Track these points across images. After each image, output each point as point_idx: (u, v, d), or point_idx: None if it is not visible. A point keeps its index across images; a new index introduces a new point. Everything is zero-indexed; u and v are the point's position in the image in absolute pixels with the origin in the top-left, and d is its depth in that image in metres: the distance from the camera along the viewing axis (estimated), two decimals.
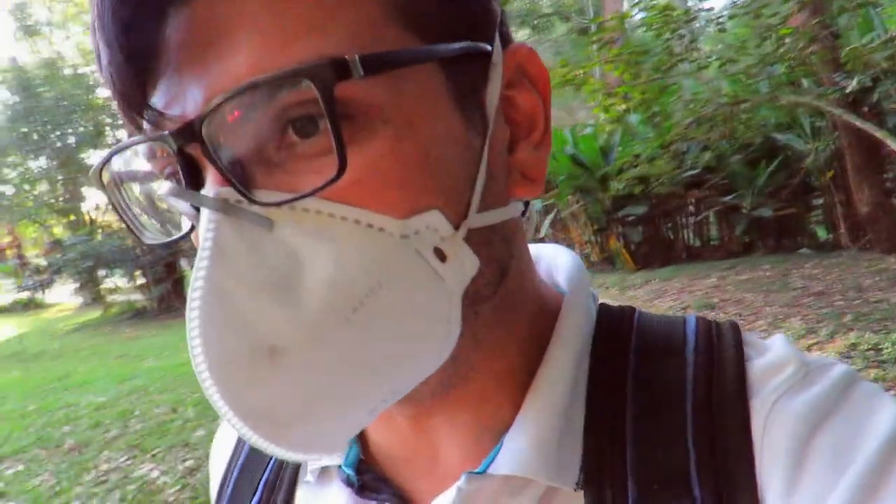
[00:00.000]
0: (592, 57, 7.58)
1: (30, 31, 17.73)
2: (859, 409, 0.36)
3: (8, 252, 21.55)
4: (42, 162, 17.41)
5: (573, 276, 0.47)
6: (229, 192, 0.32)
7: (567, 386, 0.41)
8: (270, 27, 0.31)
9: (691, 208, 9.52)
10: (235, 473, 0.54)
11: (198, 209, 0.33)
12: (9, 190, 17.55)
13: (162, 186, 0.35)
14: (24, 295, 16.20)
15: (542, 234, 13.79)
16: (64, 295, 18.51)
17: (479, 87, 0.38)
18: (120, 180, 0.38)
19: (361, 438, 0.48)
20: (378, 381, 0.35)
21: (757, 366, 0.39)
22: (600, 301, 0.48)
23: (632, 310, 0.47)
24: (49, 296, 17.16)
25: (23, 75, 16.01)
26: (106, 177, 0.38)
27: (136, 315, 12.95)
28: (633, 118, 8.52)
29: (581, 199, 12.70)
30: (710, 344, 0.41)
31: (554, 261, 0.50)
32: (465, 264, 0.36)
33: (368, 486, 0.45)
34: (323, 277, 0.32)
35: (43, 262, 16.17)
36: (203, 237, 0.32)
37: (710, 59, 5.84)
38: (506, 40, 0.40)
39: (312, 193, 0.31)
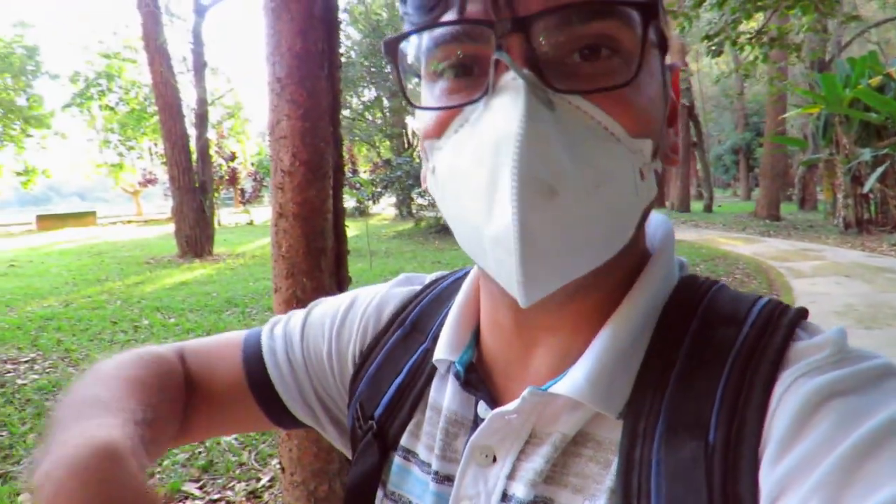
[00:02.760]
0: None
1: None
2: (879, 393, 0.38)
3: (345, 167, 26.08)
4: (374, 92, 20.47)
5: (663, 242, 0.52)
6: (532, 76, 0.40)
7: (631, 334, 0.46)
8: None
9: None
10: (383, 352, 0.62)
11: (477, 97, 0.42)
12: (348, 114, 21.10)
13: (439, 98, 0.45)
14: (353, 204, 19.64)
15: (866, 190, 12.02)
16: (382, 207, 21.86)
17: (666, 75, 0.48)
18: (406, 56, 0.46)
19: (477, 346, 0.55)
20: (597, 250, 0.43)
21: (800, 345, 0.42)
22: (689, 272, 0.54)
23: (713, 282, 0.51)
24: (374, 207, 20.54)
25: (372, 15, 18.85)
26: (399, 50, 0.46)
27: (443, 230, 14.96)
28: None
29: None
30: (767, 321, 0.44)
31: (653, 225, 0.54)
32: (650, 188, 0.45)
33: (471, 383, 0.53)
34: (583, 158, 0.40)
35: (367, 177, 19.26)
36: (513, 97, 0.39)
37: None
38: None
39: (599, 91, 0.41)
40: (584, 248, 0.42)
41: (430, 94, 0.46)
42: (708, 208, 22.02)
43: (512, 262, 0.39)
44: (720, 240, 12.96)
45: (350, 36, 19.76)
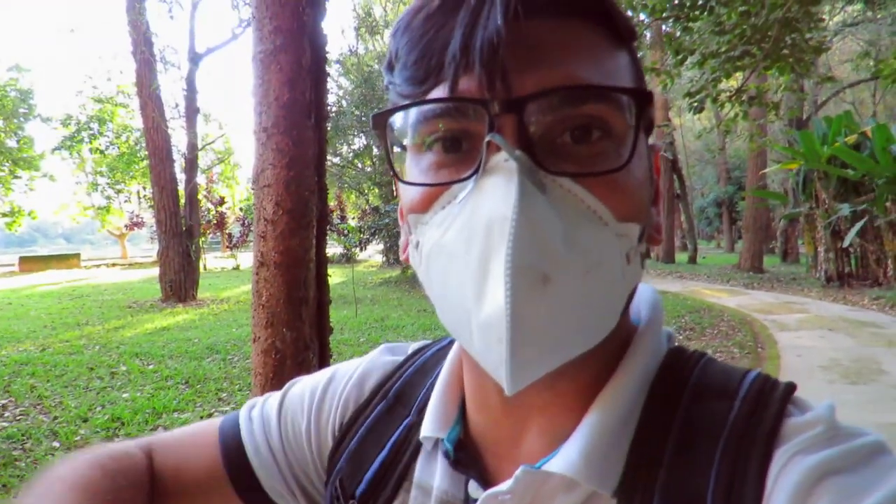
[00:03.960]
0: None
1: (371, 30, 21.09)
2: (872, 472, 0.38)
3: (333, 213, 26.27)
4: (364, 140, 20.77)
5: (650, 314, 0.52)
6: (524, 157, 0.39)
7: (622, 409, 0.46)
8: (588, 55, 0.42)
9: None
10: (365, 426, 0.60)
11: (467, 175, 0.41)
12: (338, 161, 21.33)
13: (426, 173, 0.44)
14: (340, 250, 19.58)
15: (846, 244, 12.22)
16: (369, 253, 21.84)
17: (651, 158, 0.49)
18: (393, 130, 0.45)
19: (464, 422, 0.54)
20: (585, 335, 0.42)
21: (792, 421, 0.42)
22: (676, 344, 0.53)
23: (702, 355, 0.51)
24: (361, 254, 20.53)
25: (364, 67, 19.27)
26: (388, 122, 0.45)
27: None
28: None
29: None
30: (758, 396, 0.44)
31: (640, 296, 0.54)
32: (636, 272, 0.44)
33: (461, 461, 0.51)
34: (573, 242, 0.39)
35: (354, 224, 19.35)
36: (506, 179, 0.39)
37: None
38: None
39: (592, 174, 0.40)
40: (574, 335, 0.41)
41: (416, 166, 0.45)
42: (692, 259, 22.24)
43: (502, 350, 0.38)
44: (705, 291, 13.04)
45: (342, 86, 20.14)
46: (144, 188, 24.11)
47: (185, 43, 13.79)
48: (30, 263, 26.36)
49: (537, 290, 0.38)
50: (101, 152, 23.74)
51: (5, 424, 4.62)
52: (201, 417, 4.79)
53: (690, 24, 7.58)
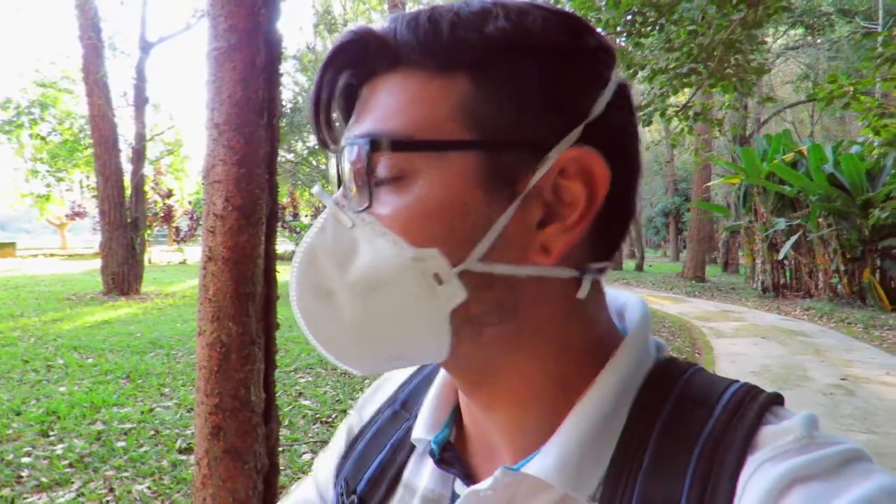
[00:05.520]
0: (869, 71, 7.04)
1: (329, 27, 20.92)
2: (843, 479, 0.38)
3: (286, 210, 25.89)
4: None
5: (638, 324, 0.53)
6: (339, 198, 0.48)
7: (601, 416, 0.47)
8: (377, 109, 0.47)
9: None
10: (373, 430, 0.64)
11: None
12: (293, 158, 21.07)
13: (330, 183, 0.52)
14: (292, 247, 19.31)
15: (781, 257, 12.83)
16: None
17: (520, 173, 0.45)
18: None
19: (457, 424, 0.57)
20: (383, 344, 0.48)
21: (767, 429, 0.43)
22: (666, 354, 0.54)
23: (690, 366, 0.52)
24: None
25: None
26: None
27: None
28: None
29: (835, 224, 11.56)
30: (738, 405, 0.45)
31: (627, 307, 0.56)
32: (455, 291, 0.45)
33: (445, 461, 0.54)
34: (365, 265, 0.45)
35: (307, 221, 19.09)
36: (320, 216, 0.49)
37: None
38: (594, 140, 0.46)
39: (360, 210, 0.46)
40: (378, 340, 0.47)
41: None
42: (639, 267, 22.90)
43: (315, 345, 0.49)
44: (650, 298, 13.44)
45: (298, 82, 19.92)
46: (88, 177, 23.23)
47: (136, 30, 13.37)
48: None
49: (321, 301, 0.47)
50: (43, 139, 22.75)
51: None
52: (142, 412, 4.70)
53: (642, 41, 7.85)
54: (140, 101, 13.10)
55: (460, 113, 0.45)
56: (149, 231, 16.58)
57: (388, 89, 0.47)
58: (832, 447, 0.41)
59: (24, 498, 3.24)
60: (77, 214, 27.86)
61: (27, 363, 6.24)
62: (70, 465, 3.68)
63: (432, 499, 0.55)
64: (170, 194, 24.10)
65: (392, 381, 0.69)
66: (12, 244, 27.20)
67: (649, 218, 35.54)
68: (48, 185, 24.18)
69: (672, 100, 8.85)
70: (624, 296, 0.58)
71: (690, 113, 8.79)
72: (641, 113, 8.59)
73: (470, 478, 0.53)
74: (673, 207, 31.60)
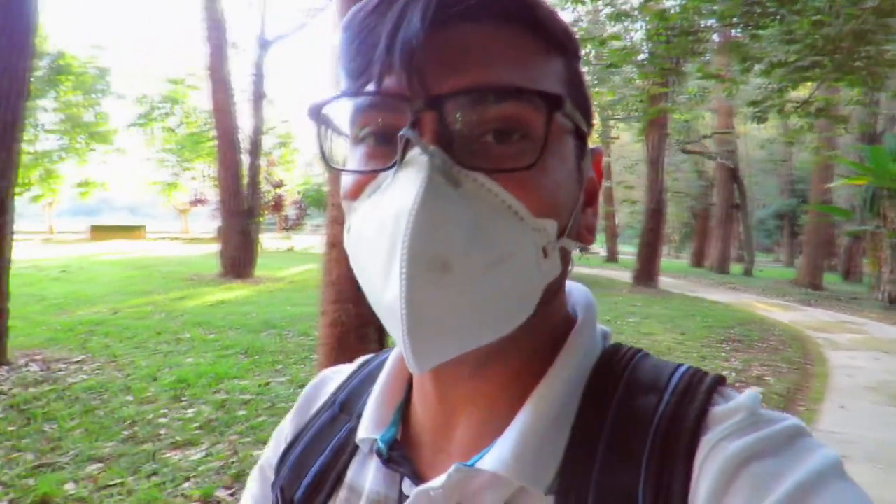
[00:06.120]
0: None
1: None
2: (791, 455, 0.40)
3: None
4: None
5: (584, 313, 0.53)
6: (440, 153, 0.41)
7: (554, 407, 0.47)
8: (512, 59, 0.44)
9: None
10: (309, 434, 0.61)
11: (388, 166, 0.44)
12: None
13: (360, 163, 0.46)
14: None
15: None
16: None
17: (584, 158, 0.51)
18: (326, 119, 0.48)
19: (403, 423, 0.56)
20: (487, 324, 0.43)
21: (716, 410, 0.44)
22: (614, 341, 0.55)
23: (637, 351, 0.52)
24: None
25: None
26: (321, 113, 0.48)
27: None
28: None
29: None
30: (686, 388, 0.46)
31: (572, 294, 0.56)
32: (553, 267, 0.46)
33: (393, 460, 0.52)
34: (482, 235, 0.41)
35: None
36: (414, 179, 0.40)
37: None
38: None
39: (502, 171, 0.42)
40: (477, 323, 0.43)
41: (352, 156, 0.48)
42: (748, 272, 21.68)
43: (401, 333, 0.40)
44: (757, 304, 12.76)
45: None
46: (210, 167, 25.06)
47: (256, 29, 14.29)
48: (99, 232, 27.85)
49: (435, 277, 0.39)
50: (172, 131, 24.81)
51: (85, 377, 5.05)
52: (259, 385, 5.11)
53: (759, 32, 7.47)
54: (258, 97, 14.01)
55: (564, 87, 0.47)
56: (261, 219, 17.68)
57: (506, 42, 0.44)
58: (778, 424, 0.43)
59: (163, 453, 3.64)
60: (199, 201, 30.11)
61: (159, 335, 6.91)
62: (199, 428, 4.09)
63: (378, 500, 0.53)
64: (280, 184, 25.51)
65: (328, 383, 0.66)
66: (142, 227, 29.90)
67: (760, 219, 33.49)
68: (175, 174, 26.33)
69: (791, 95, 8.36)
70: (568, 283, 0.56)
71: (812, 109, 8.27)
72: (756, 108, 8.19)
73: (419, 477, 0.51)
74: (788, 209, 29.66)
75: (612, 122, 22.10)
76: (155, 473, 3.33)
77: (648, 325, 9.21)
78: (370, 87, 0.44)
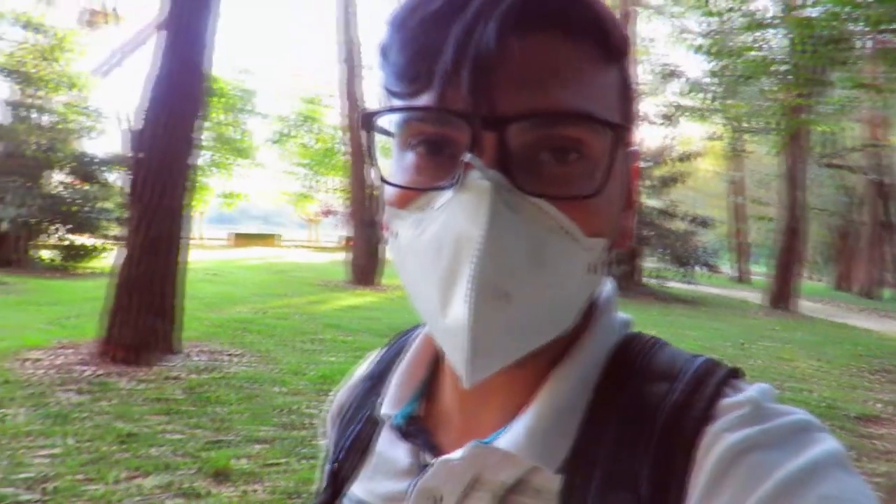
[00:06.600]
0: None
1: None
2: (792, 446, 0.40)
3: None
4: None
5: (604, 300, 0.53)
6: (501, 177, 0.41)
7: (570, 391, 0.48)
8: (578, 84, 0.43)
9: None
10: (355, 404, 0.65)
11: (444, 185, 0.43)
12: None
13: (407, 174, 0.46)
14: None
15: None
16: None
17: (625, 165, 0.49)
18: (378, 126, 0.47)
19: (428, 399, 0.58)
20: (538, 338, 0.45)
21: (724, 402, 0.44)
22: (634, 330, 0.55)
23: (656, 341, 0.52)
24: None
25: None
26: (377, 122, 0.47)
27: None
28: None
29: None
30: (698, 378, 0.46)
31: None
32: (601, 279, 0.47)
33: (410, 434, 0.55)
34: (539, 260, 0.42)
35: None
36: (476, 206, 0.40)
37: None
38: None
39: (565, 199, 0.42)
40: (530, 338, 0.45)
41: (399, 162, 0.47)
42: None
43: (462, 355, 0.41)
44: None
45: None
46: (339, 180, 26.60)
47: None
48: (239, 239, 30.42)
49: (498, 306, 0.41)
50: (306, 146, 26.60)
51: (243, 368, 5.66)
52: None
53: None
54: None
55: (618, 102, 0.47)
56: None
57: (574, 57, 0.43)
58: (785, 417, 0.42)
59: (316, 440, 4.00)
60: (329, 212, 31.97)
61: (300, 335, 7.53)
62: None
63: (402, 469, 0.55)
64: None
65: (370, 355, 0.70)
66: (277, 235, 32.22)
67: None
68: (307, 187, 28.16)
69: None
70: None
71: None
72: None
73: (434, 449, 0.53)
74: None
75: (744, 135, 20.93)
76: (310, 457, 3.70)
77: (787, 350, 8.70)
78: (428, 99, 0.43)
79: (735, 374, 0.47)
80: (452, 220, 0.42)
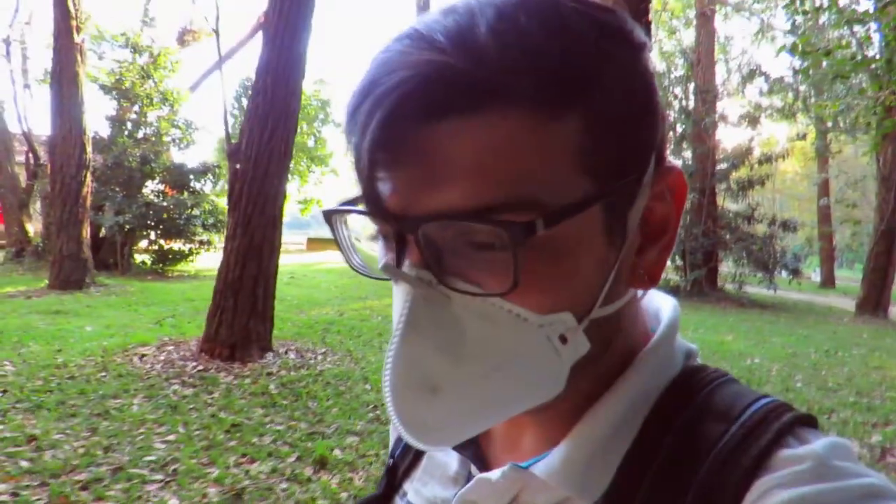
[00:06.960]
0: None
1: None
2: None
3: None
4: None
5: (665, 328, 0.50)
6: (426, 273, 0.40)
7: (613, 422, 0.46)
8: (483, 174, 0.37)
9: None
10: None
11: (387, 274, 0.42)
12: None
13: (381, 259, 0.44)
14: None
15: None
16: None
17: (627, 208, 0.42)
18: (341, 219, 0.48)
19: None
20: (500, 414, 0.44)
21: (783, 453, 0.39)
22: (699, 361, 0.51)
23: (720, 375, 0.48)
24: None
25: None
26: (335, 215, 0.47)
27: (670, 291, 14.50)
28: None
29: None
30: (759, 422, 0.42)
31: (662, 309, 0.53)
32: (578, 346, 0.43)
33: (461, 445, 0.54)
34: (478, 346, 0.41)
35: None
36: (402, 303, 0.41)
37: None
38: (660, 156, 0.44)
39: (491, 295, 0.40)
40: (487, 415, 0.44)
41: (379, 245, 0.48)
42: None
43: (405, 436, 0.43)
44: None
45: None
46: None
47: None
48: (315, 244, 31.50)
49: (425, 397, 0.41)
50: None
51: (330, 366, 5.95)
52: None
53: None
54: None
55: (576, 159, 0.39)
56: None
57: (478, 137, 0.37)
58: (852, 479, 0.37)
59: None
60: None
61: (381, 335, 7.81)
62: None
63: (450, 476, 0.57)
64: None
65: None
66: None
67: None
68: None
69: None
70: (660, 297, 0.55)
71: None
72: None
73: (483, 462, 0.54)
74: None
75: (833, 135, 19.94)
76: None
77: (877, 357, 8.27)
78: (360, 202, 0.43)
79: (805, 420, 0.43)
80: (395, 303, 0.44)
